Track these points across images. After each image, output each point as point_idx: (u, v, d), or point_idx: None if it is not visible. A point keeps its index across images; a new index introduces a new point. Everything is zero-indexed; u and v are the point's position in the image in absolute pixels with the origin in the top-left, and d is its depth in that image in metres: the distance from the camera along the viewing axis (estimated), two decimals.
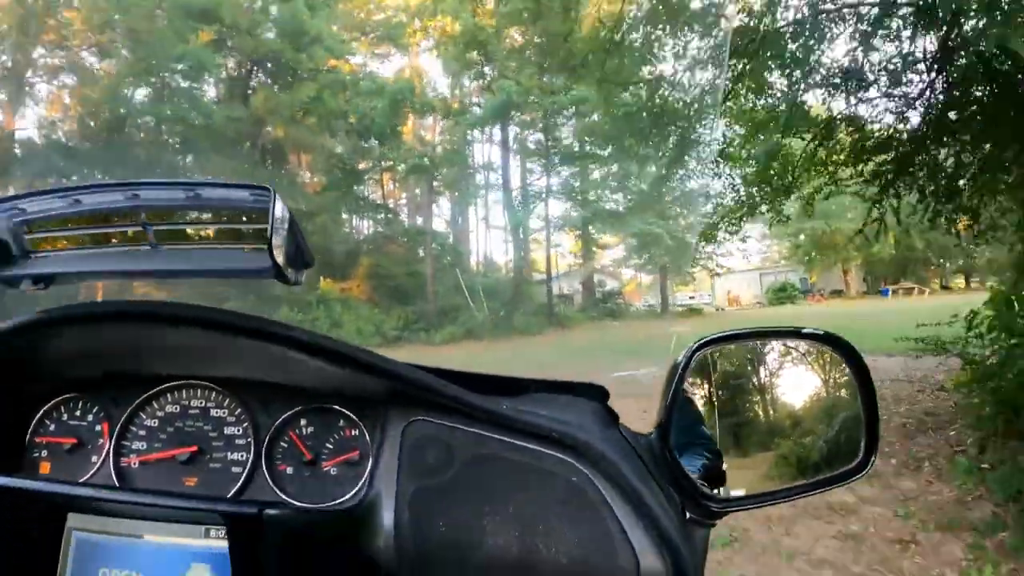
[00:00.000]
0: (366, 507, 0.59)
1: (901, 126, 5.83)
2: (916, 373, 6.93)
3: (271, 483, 0.64)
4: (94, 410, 0.67)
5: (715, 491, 0.61)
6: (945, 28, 4.61)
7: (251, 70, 21.76)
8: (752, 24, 5.73)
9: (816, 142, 6.13)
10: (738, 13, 5.87)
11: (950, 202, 5.32)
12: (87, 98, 18.48)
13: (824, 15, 5.49)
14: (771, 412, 0.72)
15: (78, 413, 0.67)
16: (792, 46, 5.57)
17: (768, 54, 5.56)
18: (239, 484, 0.64)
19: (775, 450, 0.68)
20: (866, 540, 2.77)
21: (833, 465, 0.64)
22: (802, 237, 29.65)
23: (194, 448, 0.65)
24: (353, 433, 0.66)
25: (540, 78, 20.08)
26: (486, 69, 22.18)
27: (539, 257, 25.89)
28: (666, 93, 6.65)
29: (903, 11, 4.95)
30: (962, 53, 4.67)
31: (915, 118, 5.89)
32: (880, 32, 5.35)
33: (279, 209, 0.52)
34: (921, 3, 4.59)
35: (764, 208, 6.71)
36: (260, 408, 0.67)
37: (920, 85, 5.63)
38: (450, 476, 0.59)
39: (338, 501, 0.62)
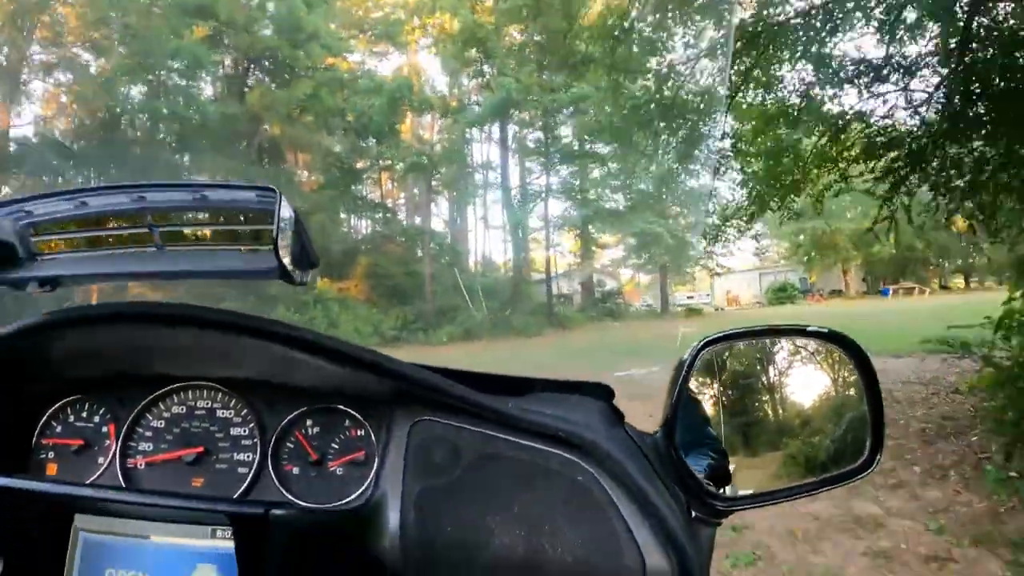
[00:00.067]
0: (372, 507, 0.59)
1: (915, 121, 5.65)
2: (925, 375, 6.81)
3: (277, 483, 0.64)
4: (100, 411, 0.68)
5: (721, 490, 0.61)
6: (966, 17, 4.45)
7: (248, 68, 21.55)
8: (763, 14, 5.55)
9: (826, 138, 5.96)
10: (748, 2, 5.69)
11: (967, 199, 5.15)
12: (82, 95, 18.28)
13: (836, 5, 5.32)
14: (777, 411, 0.72)
15: (84, 414, 0.68)
16: (804, 37, 5.40)
17: (778, 46, 5.38)
18: (245, 484, 0.64)
19: (783, 449, 0.67)
20: (898, 557, 2.60)
21: (839, 464, 0.64)
22: (801, 237, 29.55)
23: (200, 449, 0.65)
24: (359, 433, 0.66)
25: (540, 75, 19.91)
26: (485, 67, 21.99)
27: (538, 257, 25.77)
28: (675, 85, 6.46)
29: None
30: (984, 43, 4.50)
31: (929, 113, 5.74)
32: (895, 23, 5.18)
33: (285, 210, 0.52)
34: None
35: (774, 205, 6.53)
36: (266, 409, 0.67)
37: (935, 78, 5.47)
38: (456, 476, 0.59)
39: (344, 501, 0.62)
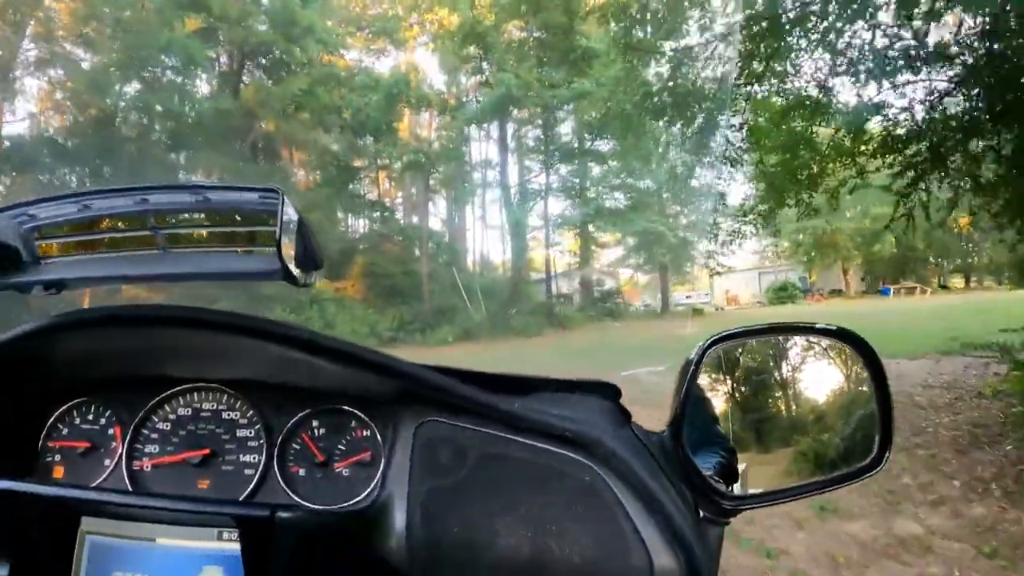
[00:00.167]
0: (378, 508, 0.59)
1: (935, 114, 5.40)
2: (943, 378, 6.58)
3: (283, 485, 0.64)
4: (107, 414, 0.68)
5: (729, 489, 0.61)
6: (997, 1, 4.19)
7: (242, 63, 21.21)
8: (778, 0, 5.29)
9: (843, 131, 5.70)
10: None
11: (995, 195, 4.90)
12: (74, 92, 17.99)
13: None
14: (785, 409, 0.71)
15: (91, 417, 0.68)
16: (821, 25, 5.14)
17: (794, 33, 5.12)
18: (251, 486, 0.64)
19: (794, 446, 0.66)
20: None
21: (849, 462, 0.63)
22: (802, 236, 29.40)
23: (207, 451, 0.65)
24: (365, 434, 0.66)
25: (540, 71, 19.62)
26: (484, 64, 21.69)
27: (537, 256, 25.52)
28: (691, 71, 6.17)
29: None
30: (1015, 30, 4.25)
31: (951, 106, 5.50)
32: (918, 10, 4.93)
33: (288, 211, 0.52)
34: None
35: (791, 201, 6.27)
36: (272, 410, 0.67)
37: (958, 68, 5.22)
38: (462, 476, 0.58)
39: (350, 502, 0.62)
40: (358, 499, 0.62)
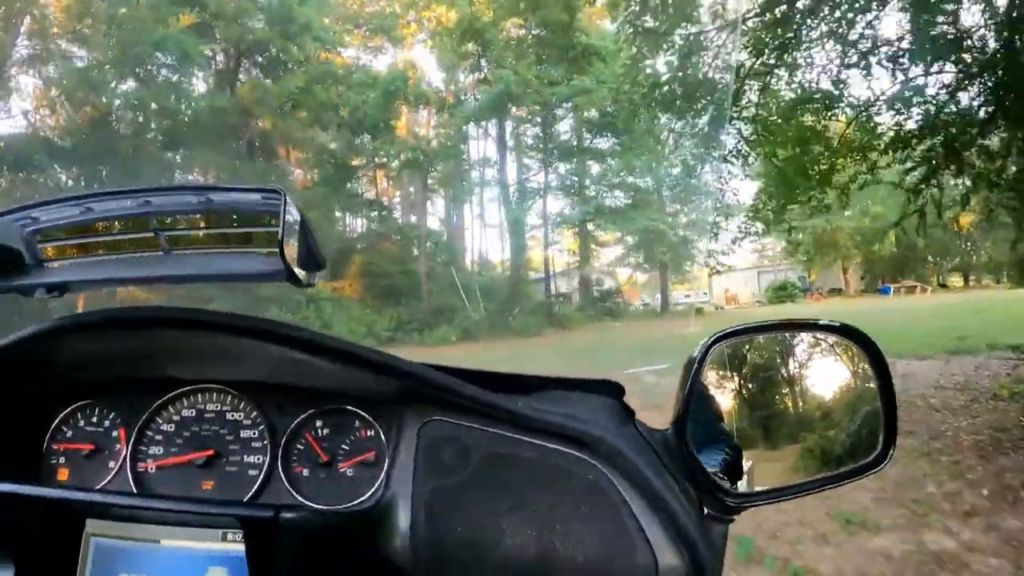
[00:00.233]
0: (382, 508, 0.59)
1: (953, 107, 5.24)
2: (955, 379, 6.44)
3: (288, 485, 0.64)
4: (111, 416, 0.68)
5: (734, 486, 0.60)
6: None
7: (238, 61, 20.99)
8: None
9: (854, 126, 5.53)
10: None
11: (1017, 191, 4.74)
12: (68, 90, 17.76)
13: None
14: (789, 406, 0.70)
15: (95, 419, 0.68)
16: (835, 14, 4.97)
17: (805, 24, 4.95)
18: (256, 487, 0.64)
19: (800, 443, 0.66)
20: None
21: (854, 458, 0.63)
22: (801, 235, 29.29)
23: (211, 452, 0.65)
24: (369, 434, 0.66)
25: (539, 67, 19.42)
26: (482, 61, 21.50)
27: (535, 256, 25.37)
28: (699, 62, 5.97)
29: None
30: None
31: (965, 100, 5.34)
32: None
33: (290, 212, 0.52)
34: None
35: (803, 197, 6.10)
36: (276, 410, 0.67)
37: (976, 59, 5.06)
38: (466, 476, 0.58)
39: (354, 502, 0.62)
40: (362, 499, 0.61)
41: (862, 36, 5.15)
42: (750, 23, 5.40)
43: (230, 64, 21.08)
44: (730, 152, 6.29)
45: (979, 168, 5.29)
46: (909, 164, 5.64)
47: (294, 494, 0.63)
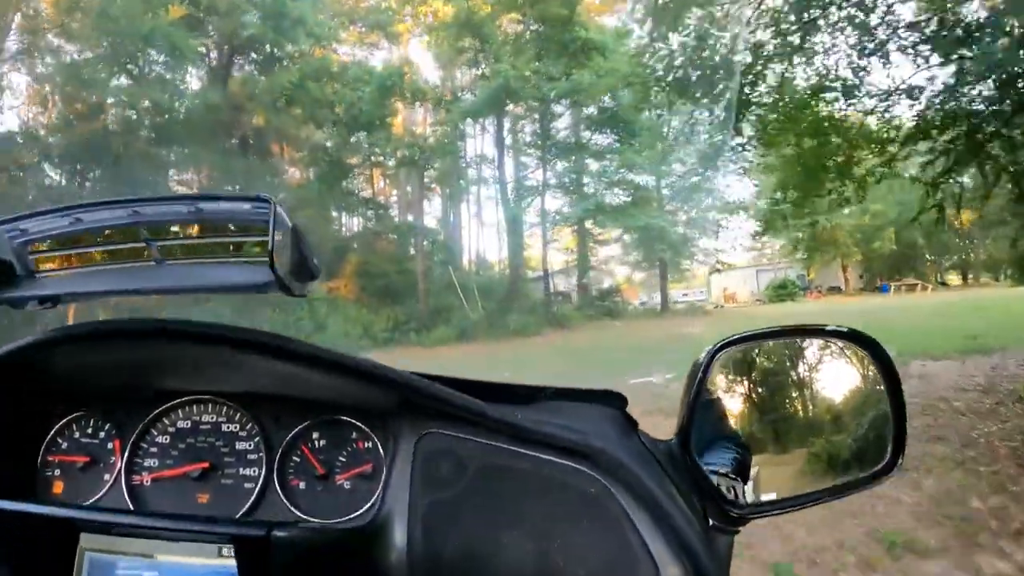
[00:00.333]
0: (379, 523, 0.58)
1: (976, 96, 5.00)
2: (974, 380, 6.23)
3: (283, 499, 0.63)
4: (106, 427, 0.67)
5: (739, 496, 0.59)
6: None
7: (231, 57, 20.66)
8: None
9: (873, 116, 5.29)
10: None
11: None
12: (57, 85, 17.45)
13: None
14: (800, 410, 0.69)
15: (90, 431, 0.67)
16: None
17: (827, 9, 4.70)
18: (251, 500, 0.63)
19: (808, 448, 0.65)
20: None
21: (863, 463, 0.61)
22: (800, 233, 29.13)
23: (206, 464, 0.64)
24: (366, 446, 0.65)
25: (537, 64, 19.13)
26: (480, 57, 21.20)
27: (533, 254, 25.11)
28: (717, 44, 5.69)
29: None
30: None
31: (987, 89, 5.09)
32: None
33: (280, 221, 0.51)
34: None
35: (822, 191, 5.85)
36: (272, 422, 0.66)
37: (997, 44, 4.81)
38: (464, 489, 0.57)
39: (350, 517, 0.61)
40: (359, 513, 0.61)
41: (882, 21, 4.90)
42: (769, 2, 5.17)
43: (223, 60, 20.75)
44: (749, 140, 6.06)
45: (1002, 161, 5.05)
46: (928, 157, 5.40)
47: (290, 508, 0.62)
